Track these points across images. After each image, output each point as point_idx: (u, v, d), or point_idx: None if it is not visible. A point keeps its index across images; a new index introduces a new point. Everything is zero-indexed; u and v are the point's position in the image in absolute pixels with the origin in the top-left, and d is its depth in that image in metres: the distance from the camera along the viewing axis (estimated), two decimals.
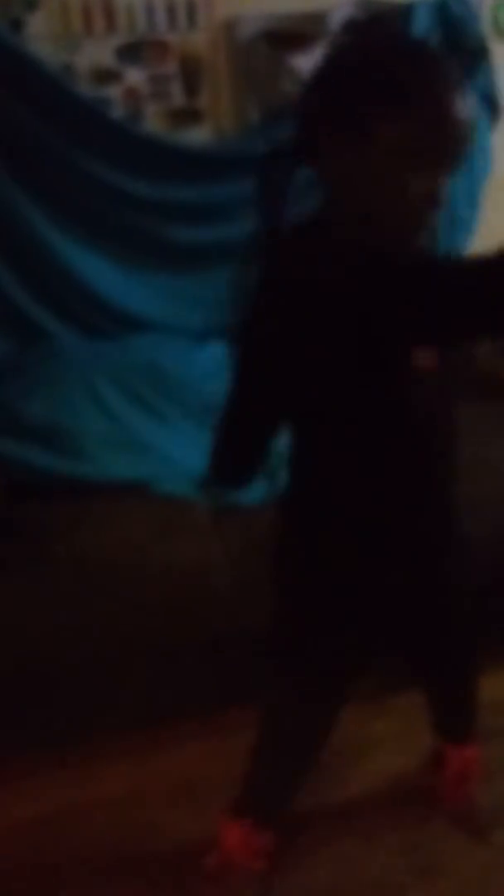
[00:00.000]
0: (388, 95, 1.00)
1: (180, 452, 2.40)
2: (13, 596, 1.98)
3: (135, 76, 2.56)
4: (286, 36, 2.59)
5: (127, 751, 1.98)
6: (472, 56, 2.58)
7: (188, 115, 2.65)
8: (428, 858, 1.74)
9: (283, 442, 2.43)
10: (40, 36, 2.43)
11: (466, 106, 1.03)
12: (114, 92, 2.56)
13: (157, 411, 2.45)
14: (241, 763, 1.88)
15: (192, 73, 2.61)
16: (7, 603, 1.96)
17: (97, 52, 2.50)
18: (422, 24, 2.48)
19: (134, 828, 1.84)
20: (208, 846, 1.67)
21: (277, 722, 1.56)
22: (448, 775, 1.78)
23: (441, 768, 1.79)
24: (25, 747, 1.95)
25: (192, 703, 2.01)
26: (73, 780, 1.94)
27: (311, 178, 1.16)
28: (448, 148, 1.03)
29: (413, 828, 1.80)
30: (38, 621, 1.96)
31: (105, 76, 2.53)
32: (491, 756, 1.83)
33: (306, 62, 2.56)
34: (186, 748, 1.98)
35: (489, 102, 2.74)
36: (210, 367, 2.60)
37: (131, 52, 2.53)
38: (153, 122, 2.62)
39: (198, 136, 2.66)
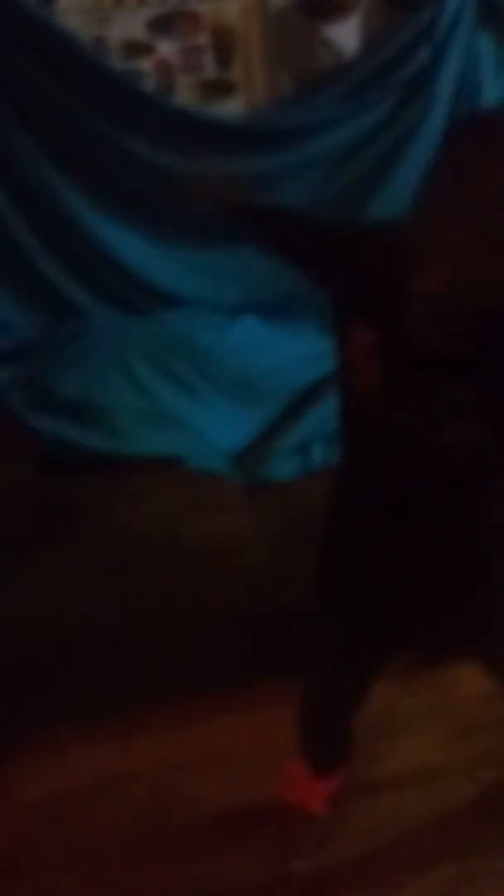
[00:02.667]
0: None
1: (213, 428, 2.40)
2: (49, 570, 2.01)
3: (166, 48, 2.54)
4: (320, 5, 2.55)
5: (159, 724, 2.00)
6: None
7: (220, 88, 2.62)
8: (460, 834, 1.74)
9: (316, 420, 2.44)
10: (71, 9, 2.42)
11: None
12: (145, 65, 2.54)
13: (190, 387, 2.45)
14: (271, 737, 1.90)
15: (224, 44, 2.58)
16: (43, 577, 1.99)
17: (128, 25, 2.48)
18: None
19: (167, 799, 1.86)
20: (240, 817, 1.70)
21: (312, 677, 1.59)
22: None
23: None
24: (60, 720, 1.98)
25: (223, 678, 2.03)
26: (107, 752, 1.97)
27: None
28: None
29: (442, 805, 1.81)
30: (72, 595, 1.98)
31: (136, 49, 2.51)
32: (478, 748, 1.83)
33: (341, 32, 2.52)
34: (218, 722, 2.00)
35: None
36: (243, 343, 2.60)
37: (162, 24, 2.51)
38: (185, 94, 2.60)
39: (230, 108, 2.64)
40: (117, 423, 2.33)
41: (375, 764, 1.88)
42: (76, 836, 1.82)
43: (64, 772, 1.94)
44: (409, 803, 1.81)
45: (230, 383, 2.48)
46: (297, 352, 2.66)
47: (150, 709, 2.02)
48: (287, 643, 2.01)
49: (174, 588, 1.99)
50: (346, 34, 2.53)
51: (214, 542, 2.05)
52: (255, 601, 2.00)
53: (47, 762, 1.96)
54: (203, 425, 2.40)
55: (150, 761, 1.95)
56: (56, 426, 2.33)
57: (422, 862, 1.70)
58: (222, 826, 1.79)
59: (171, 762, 1.94)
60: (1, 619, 1.92)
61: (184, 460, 2.30)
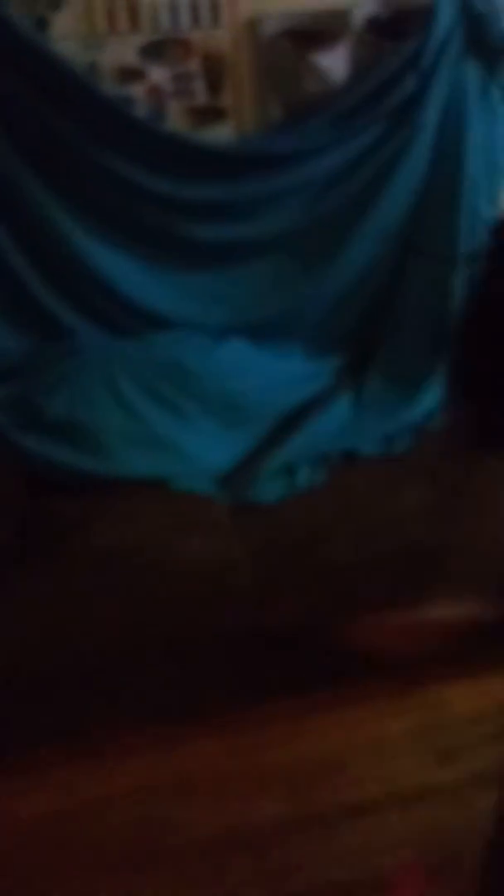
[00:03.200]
0: None
1: (200, 449, 2.41)
2: (35, 589, 2.00)
3: (158, 74, 2.57)
4: (309, 34, 2.59)
5: (143, 746, 1.99)
6: (495, 54, 2.56)
7: (211, 113, 2.65)
8: (446, 856, 1.74)
9: (302, 442, 2.45)
10: (65, 35, 2.44)
11: None
12: (137, 90, 2.57)
13: (177, 408, 2.46)
14: (256, 759, 1.90)
15: (214, 71, 2.61)
16: (28, 596, 1.98)
17: (121, 51, 2.51)
18: (444, 21, 2.47)
19: (150, 822, 1.85)
20: (223, 841, 1.69)
21: None
22: None
23: None
24: (42, 740, 1.97)
25: (208, 700, 2.03)
26: (89, 773, 1.96)
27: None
28: None
29: (429, 827, 1.81)
30: (58, 615, 1.98)
31: (129, 75, 2.54)
32: (465, 770, 1.83)
33: (329, 60, 2.56)
34: (202, 744, 1.99)
35: None
36: (231, 365, 2.61)
37: (155, 50, 2.54)
38: (176, 120, 2.63)
39: (220, 134, 2.67)
40: (105, 443, 2.34)
41: (363, 785, 1.87)
42: (60, 857, 1.80)
43: (48, 793, 1.93)
44: (396, 825, 1.80)
45: (217, 405, 2.50)
46: (284, 374, 2.68)
47: (135, 730, 2.01)
48: (271, 665, 2.02)
49: (160, 608, 1.99)
50: (334, 62, 2.57)
51: (200, 563, 2.05)
52: (241, 622, 2.00)
53: (31, 783, 1.95)
54: (190, 446, 2.42)
55: (135, 783, 1.94)
56: (43, 446, 2.33)
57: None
58: (208, 849, 1.78)
59: (156, 784, 1.93)
60: None
61: (170, 481, 2.31)
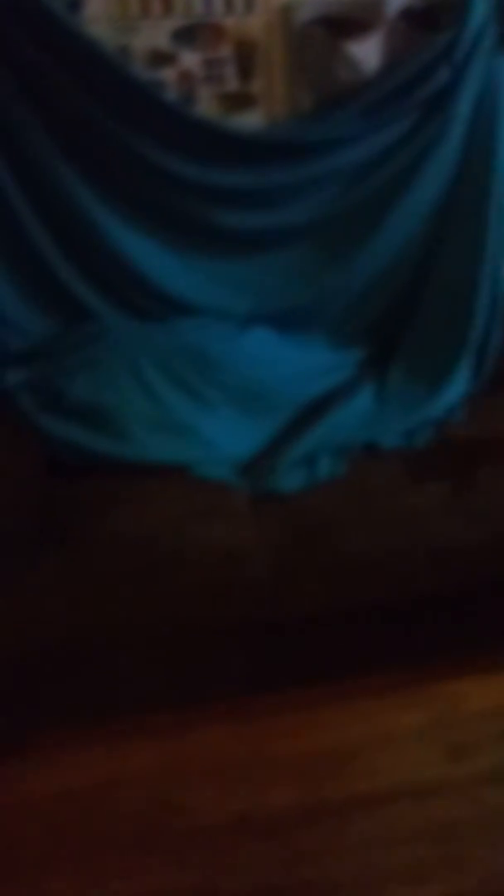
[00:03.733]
0: None
1: (222, 437, 2.41)
2: (52, 573, 2.01)
3: (189, 59, 2.56)
4: (343, 22, 2.57)
5: (155, 730, 2.00)
6: None
7: (241, 100, 2.64)
8: (456, 851, 1.74)
9: (323, 433, 2.45)
10: (98, 17, 2.44)
11: None
12: (168, 75, 2.56)
13: (200, 395, 2.46)
14: (267, 748, 1.90)
15: (246, 57, 2.60)
16: (45, 579, 1.99)
17: (153, 35, 2.50)
18: (478, 15, 2.45)
19: (162, 806, 1.86)
20: (232, 828, 1.69)
21: None
22: None
23: None
24: (55, 722, 1.98)
25: (222, 686, 2.03)
26: (101, 756, 1.96)
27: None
28: None
29: (438, 821, 1.80)
30: (74, 598, 1.98)
31: (160, 59, 2.54)
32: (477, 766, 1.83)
33: (362, 49, 2.54)
34: (215, 731, 1.99)
35: None
36: (255, 353, 2.61)
37: (187, 35, 2.53)
38: (206, 105, 2.62)
39: (250, 120, 2.66)
40: (126, 427, 2.34)
41: (374, 777, 1.87)
42: (70, 839, 1.81)
43: (58, 775, 1.94)
44: (406, 817, 1.80)
45: (239, 393, 2.50)
46: (308, 364, 2.68)
47: (147, 715, 2.02)
48: (287, 655, 2.03)
49: (175, 595, 2.00)
50: (367, 52, 2.55)
51: (218, 551, 2.05)
52: (257, 611, 2.01)
53: (42, 764, 1.96)
54: (211, 433, 2.42)
55: (146, 767, 1.94)
56: (65, 428, 2.34)
57: (416, 876, 1.70)
58: (217, 834, 1.79)
59: (166, 769, 1.94)
60: (1, 620, 1.92)
61: (191, 467, 2.31)
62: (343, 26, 2.57)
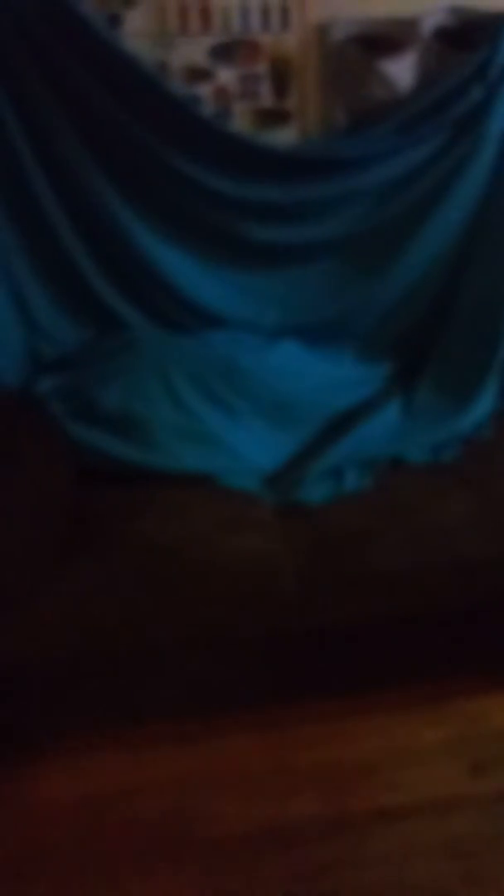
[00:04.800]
0: None
1: (249, 448, 2.43)
2: (77, 580, 2.02)
3: (226, 75, 2.59)
4: (377, 40, 2.59)
5: (179, 739, 2.02)
6: None
7: (276, 116, 2.67)
8: (475, 867, 1.74)
9: (350, 446, 2.45)
10: (137, 33, 2.48)
11: None
12: (204, 90, 2.59)
13: (228, 406, 2.47)
14: (290, 758, 1.90)
15: (281, 74, 2.63)
16: (71, 587, 2.00)
17: (191, 51, 2.54)
18: None
19: (182, 814, 1.87)
20: (252, 838, 1.69)
21: None
22: None
23: None
24: (79, 728, 2.00)
25: (246, 696, 2.04)
26: (124, 763, 1.98)
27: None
28: None
29: (459, 837, 1.80)
30: (100, 606, 1.99)
31: (197, 75, 2.57)
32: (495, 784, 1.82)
33: (396, 68, 2.56)
34: (238, 739, 2.01)
35: None
36: (283, 366, 2.62)
37: (224, 51, 2.56)
38: (241, 121, 2.65)
39: (284, 136, 2.68)
40: (155, 437, 2.36)
41: (392, 793, 1.88)
42: (89, 844, 1.83)
43: (79, 780, 1.96)
44: (423, 833, 1.81)
45: (267, 405, 2.51)
46: (335, 378, 2.69)
47: (171, 723, 2.03)
48: (312, 666, 2.03)
49: (201, 604, 2.01)
50: (401, 70, 2.57)
51: (244, 562, 2.06)
52: (282, 622, 2.01)
53: (63, 770, 1.98)
54: (239, 444, 2.43)
55: (167, 775, 1.96)
56: (94, 437, 2.36)
57: (435, 891, 1.70)
58: (237, 844, 1.80)
59: (187, 777, 1.95)
60: (27, 626, 1.94)
61: (218, 478, 2.32)
62: (378, 45, 2.59)
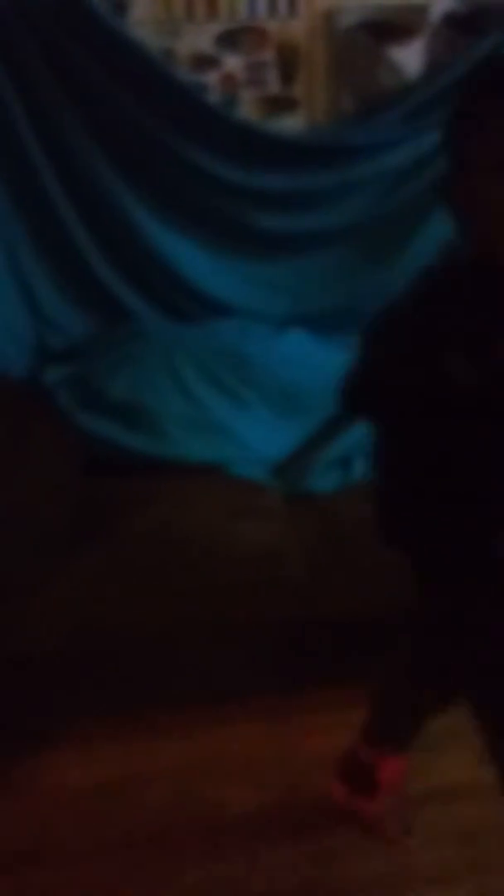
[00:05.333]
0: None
1: (257, 437, 2.43)
2: (86, 569, 2.03)
3: (232, 63, 2.58)
4: (386, 27, 2.58)
5: (188, 726, 2.02)
6: None
7: (283, 103, 2.66)
8: (482, 854, 1.74)
9: (358, 435, 2.44)
10: (143, 20, 2.47)
11: None
12: (211, 78, 2.58)
13: (236, 396, 2.47)
14: (299, 746, 1.91)
15: (288, 61, 2.62)
16: (80, 575, 2.01)
17: (197, 39, 2.53)
18: None
19: (191, 801, 1.88)
20: (261, 825, 1.70)
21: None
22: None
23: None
24: (88, 716, 2.01)
25: (253, 685, 2.04)
26: (134, 750, 1.99)
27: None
28: None
29: (466, 824, 1.81)
30: (108, 595, 2.00)
31: (203, 62, 2.56)
32: None
33: (405, 55, 2.55)
34: (247, 728, 2.01)
35: None
36: (291, 355, 2.62)
37: (230, 38, 2.55)
38: (248, 108, 2.64)
39: (291, 124, 2.68)
40: (162, 426, 2.36)
41: (407, 779, 1.88)
42: (99, 830, 1.84)
43: (90, 767, 1.97)
44: (436, 819, 1.81)
45: (275, 394, 2.51)
46: (344, 366, 2.68)
47: (180, 710, 2.04)
48: (320, 654, 2.03)
49: (210, 593, 2.01)
50: (409, 57, 2.56)
51: (252, 550, 2.06)
52: (290, 611, 2.02)
53: (74, 756, 1.99)
54: (247, 433, 2.43)
55: (176, 762, 1.97)
56: (102, 426, 2.36)
57: (444, 878, 1.71)
58: (245, 832, 1.80)
59: (197, 764, 1.96)
60: (38, 616, 1.95)
61: (226, 467, 2.32)
62: (386, 31, 2.58)
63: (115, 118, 2.48)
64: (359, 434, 2.48)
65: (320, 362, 2.64)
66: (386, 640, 1.66)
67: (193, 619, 2.01)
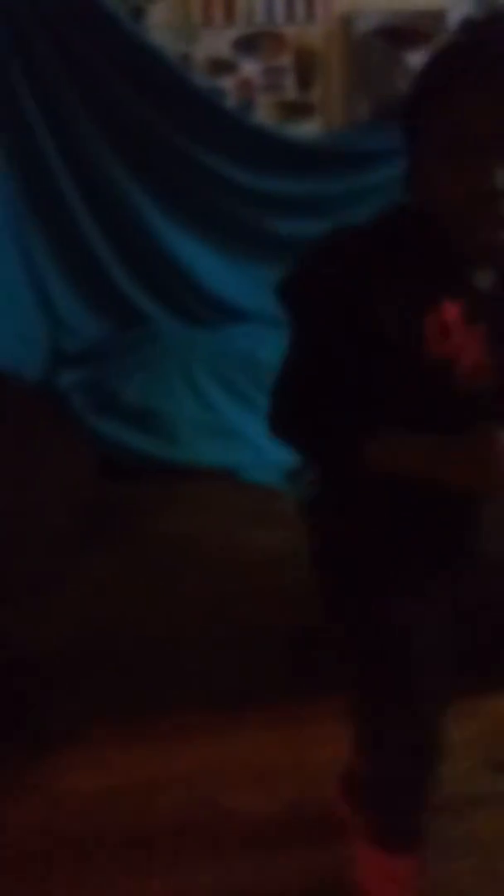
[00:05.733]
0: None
1: (270, 442, 2.41)
2: (99, 573, 2.03)
3: (249, 68, 2.58)
4: (402, 33, 2.58)
5: (201, 732, 2.01)
6: None
7: (299, 108, 2.66)
8: (495, 863, 1.72)
9: None
10: (160, 25, 2.48)
11: None
12: (228, 83, 2.59)
13: (249, 400, 2.47)
14: (313, 754, 1.89)
15: (305, 66, 2.62)
16: (93, 580, 2.01)
17: (214, 43, 2.53)
18: None
19: (204, 808, 1.87)
20: (273, 832, 1.69)
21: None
22: None
23: None
24: (101, 720, 2.00)
25: (267, 691, 2.03)
26: (146, 756, 1.98)
27: None
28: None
29: (479, 834, 1.79)
30: (122, 599, 2.00)
31: (220, 67, 2.56)
32: None
33: (421, 60, 2.54)
34: (260, 735, 2.00)
35: None
36: None
37: (247, 43, 2.55)
38: (265, 113, 2.64)
39: (308, 129, 2.68)
40: (177, 431, 2.36)
41: None
42: (110, 834, 1.82)
43: (101, 772, 1.96)
44: (447, 830, 1.79)
45: None
46: None
47: (192, 716, 2.03)
48: (331, 662, 2.02)
49: (224, 599, 2.00)
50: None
51: (267, 556, 2.05)
52: (306, 617, 2.00)
53: (85, 761, 1.98)
54: (260, 439, 2.42)
55: (189, 768, 1.95)
56: (116, 430, 2.36)
57: (455, 888, 1.69)
58: (258, 838, 1.79)
59: (209, 771, 1.95)
60: (50, 619, 1.94)
61: (239, 472, 2.32)
62: (403, 37, 2.58)
63: (132, 123, 2.48)
64: None
65: None
66: None
67: (207, 624, 2.00)
